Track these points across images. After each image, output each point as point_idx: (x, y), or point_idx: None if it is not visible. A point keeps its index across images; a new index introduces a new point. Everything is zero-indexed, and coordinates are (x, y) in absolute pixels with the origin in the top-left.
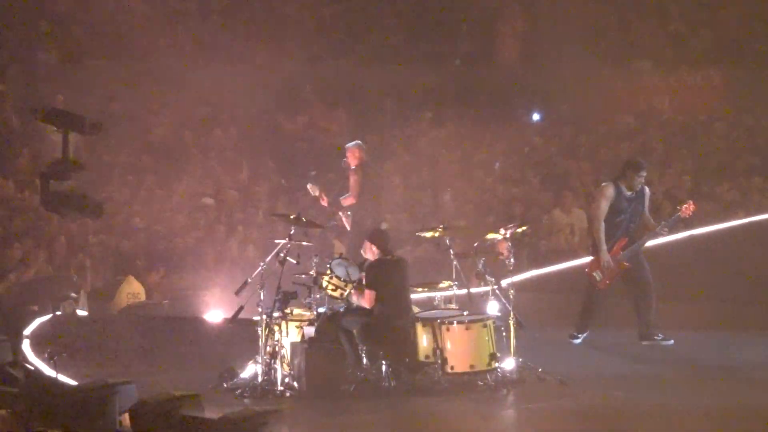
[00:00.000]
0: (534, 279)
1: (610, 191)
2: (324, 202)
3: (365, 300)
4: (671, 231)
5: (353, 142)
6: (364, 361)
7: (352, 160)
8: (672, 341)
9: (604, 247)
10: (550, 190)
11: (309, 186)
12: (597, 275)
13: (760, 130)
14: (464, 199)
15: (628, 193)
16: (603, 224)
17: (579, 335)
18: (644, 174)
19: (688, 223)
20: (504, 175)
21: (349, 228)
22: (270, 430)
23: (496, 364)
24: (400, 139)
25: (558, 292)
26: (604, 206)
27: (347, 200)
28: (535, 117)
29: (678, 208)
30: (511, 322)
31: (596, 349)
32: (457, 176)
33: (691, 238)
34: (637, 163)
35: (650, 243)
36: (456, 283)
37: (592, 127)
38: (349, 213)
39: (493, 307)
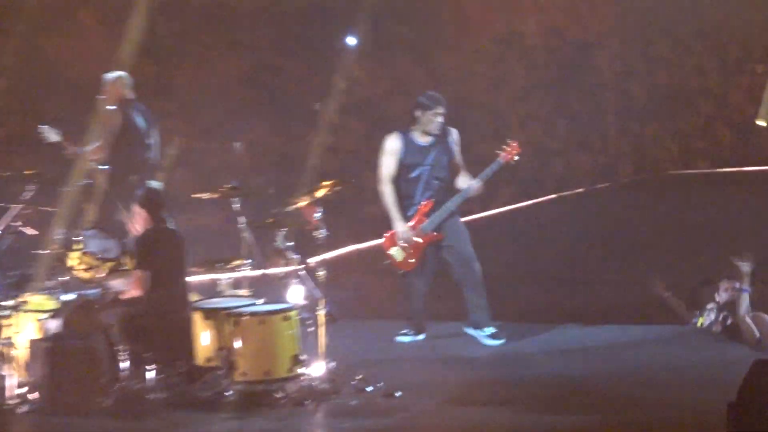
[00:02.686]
0: (354, 256)
1: (390, 144)
2: (70, 151)
3: (134, 284)
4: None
5: (114, 74)
6: (126, 365)
7: (111, 97)
8: (504, 340)
9: (395, 215)
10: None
11: (43, 128)
12: (396, 253)
13: None
14: (264, 151)
15: (422, 141)
16: (391, 187)
17: (408, 333)
18: (442, 112)
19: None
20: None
21: (104, 187)
22: None
23: (301, 370)
24: (180, 71)
25: (386, 273)
26: (388, 163)
27: (97, 150)
28: (351, 41)
29: (497, 152)
30: (322, 314)
31: (435, 349)
32: (255, 120)
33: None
34: (429, 99)
35: None
36: (248, 261)
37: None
38: (103, 167)
39: (297, 294)
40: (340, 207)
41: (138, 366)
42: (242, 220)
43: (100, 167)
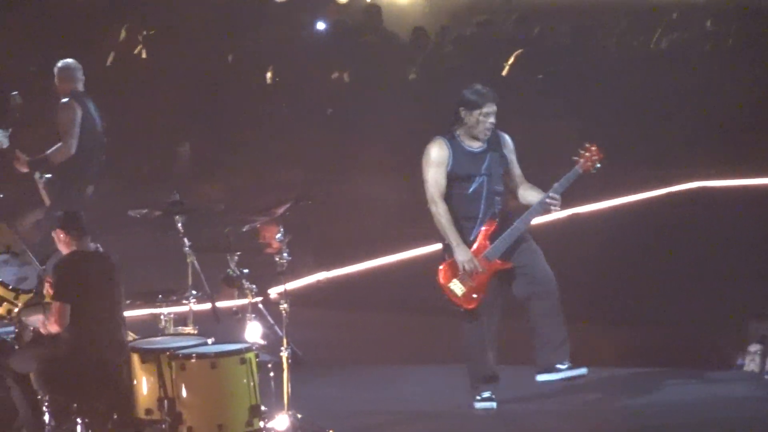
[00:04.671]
0: (324, 286)
1: (437, 152)
2: (21, 165)
3: (52, 319)
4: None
5: (62, 62)
6: (47, 418)
7: (60, 89)
8: (585, 370)
9: (455, 239)
10: (352, 145)
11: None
12: (457, 287)
13: None
14: (215, 158)
15: (472, 147)
16: (444, 205)
17: (481, 396)
18: (491, 110)
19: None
20: (279, 121)
21: (48, 202)
22: None
23: (261, 424)
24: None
25: (364, 307)
26: (435, 177)
27: (59, 154)
28: (320, 26)
29: (574, 159)
30: (284, 355)
31: (423, 390)
32: (206, 120)
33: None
34: (476, 95)
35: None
36: (195, 293)
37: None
38: (46, 177)
39: (254, 332)
40: (305, 227)
41: (62, 418)
42: (186, 242)
43: (44, 176)
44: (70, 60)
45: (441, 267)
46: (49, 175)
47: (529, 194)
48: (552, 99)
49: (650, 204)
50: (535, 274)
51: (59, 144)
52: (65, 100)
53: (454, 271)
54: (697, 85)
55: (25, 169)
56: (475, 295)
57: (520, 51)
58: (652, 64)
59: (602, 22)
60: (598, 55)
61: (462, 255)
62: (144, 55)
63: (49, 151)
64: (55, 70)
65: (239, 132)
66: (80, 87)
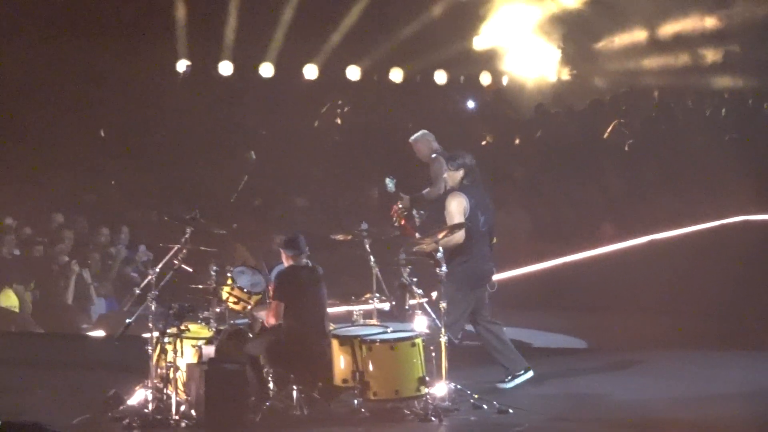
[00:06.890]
0: None
1: None
2: (404, 203)
3: (270, 313)
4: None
5: (418, 133)
6: (272, 386)
7: (424, 152)
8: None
9: None
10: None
11: (387, 180)
12: None
13: None
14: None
15: None
16: None
17: None
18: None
19: None
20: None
21: (417, 234)
22: None
23: (426, 390)
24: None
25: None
26: None
27: (432, 193)
28: (470, 104)
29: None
30: (442, 341)
31: (542, 372)
32: (387, 164)
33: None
34: None
35: None
36: (378, 295)
37: None
38: (420, 212)
39: (421, 324)
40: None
41: (282, 386)
42: (371, 258)
43: (421, 212)
44: (424, 130)
45: None
46: (423, 212)
47: None
48: (642, 156)
49: (708, 232)
50: None
51: (432, 187)
52: (435, 155)
53: None
54: (740, 145)
55: (406, 205)
56: None
57: (617, 121)
58: (710, 129)
59: (674, 99)
60: (673, 122)
61: None
62: (339, 122)
63: (424, 192)
64: (416, 138)
65: (412, 178)
66: (436, 146)
